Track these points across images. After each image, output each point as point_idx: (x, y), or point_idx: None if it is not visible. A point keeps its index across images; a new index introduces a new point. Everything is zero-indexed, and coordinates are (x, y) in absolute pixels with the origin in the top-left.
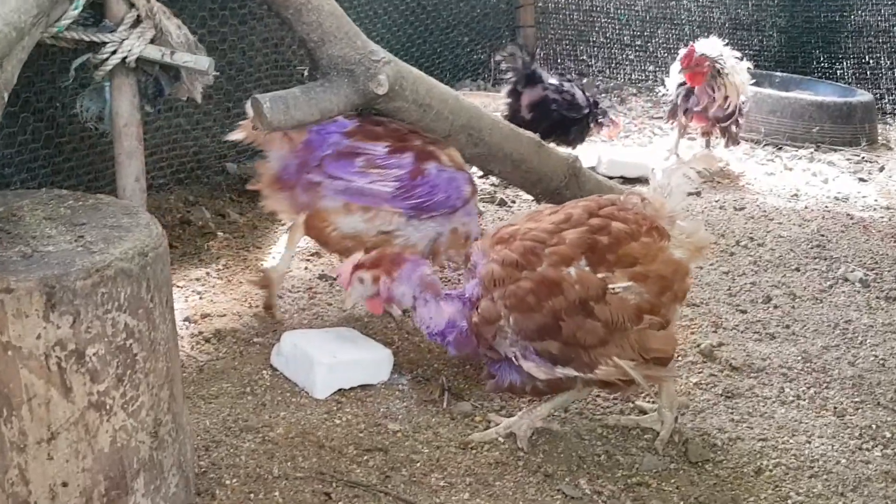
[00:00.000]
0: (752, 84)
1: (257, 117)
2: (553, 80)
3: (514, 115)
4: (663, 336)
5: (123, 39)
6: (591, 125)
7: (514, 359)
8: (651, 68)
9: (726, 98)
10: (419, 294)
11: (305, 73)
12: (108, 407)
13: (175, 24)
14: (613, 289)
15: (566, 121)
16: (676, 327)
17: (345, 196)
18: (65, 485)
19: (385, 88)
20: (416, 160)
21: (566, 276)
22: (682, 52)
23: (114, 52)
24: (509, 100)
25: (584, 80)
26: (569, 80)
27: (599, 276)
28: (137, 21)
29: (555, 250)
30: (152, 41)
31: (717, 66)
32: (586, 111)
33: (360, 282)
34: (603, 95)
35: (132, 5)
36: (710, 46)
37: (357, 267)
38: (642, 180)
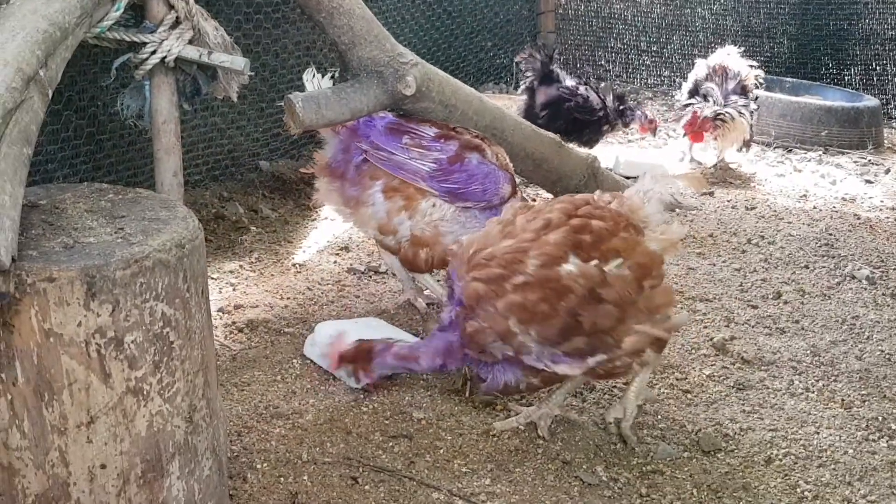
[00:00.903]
0: (763, 89)
1: (290, 116)
2: (569, 82)
3: (528, 112)
4: (661, 290)
5: (163, 40)
6: (606, 127)
7: (545, 367)
8: (666, 73)
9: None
10: (401, 365)
11: (336, 75)
12: (145, 392)
13: (212, 25)
14: (610, 270)
15: (578, 122)
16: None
17: (385, 166)
18: (103, 467)
19: (413, 89)
20: (460, 149)
21: (568, 275)
22: (685, 84)
23: (154, 52)
24: (525, 97)
25: (602, 84)
26: (585, 84)
27: (592, 263)
28: (177, 22)
29: (541, 252)
30: (191, 42)
31: (720, 119)
32: (600, 114)
33: (345, 371)
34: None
35: (172, 7)
36: (724, 57)
37: (341, 359)
38: None
